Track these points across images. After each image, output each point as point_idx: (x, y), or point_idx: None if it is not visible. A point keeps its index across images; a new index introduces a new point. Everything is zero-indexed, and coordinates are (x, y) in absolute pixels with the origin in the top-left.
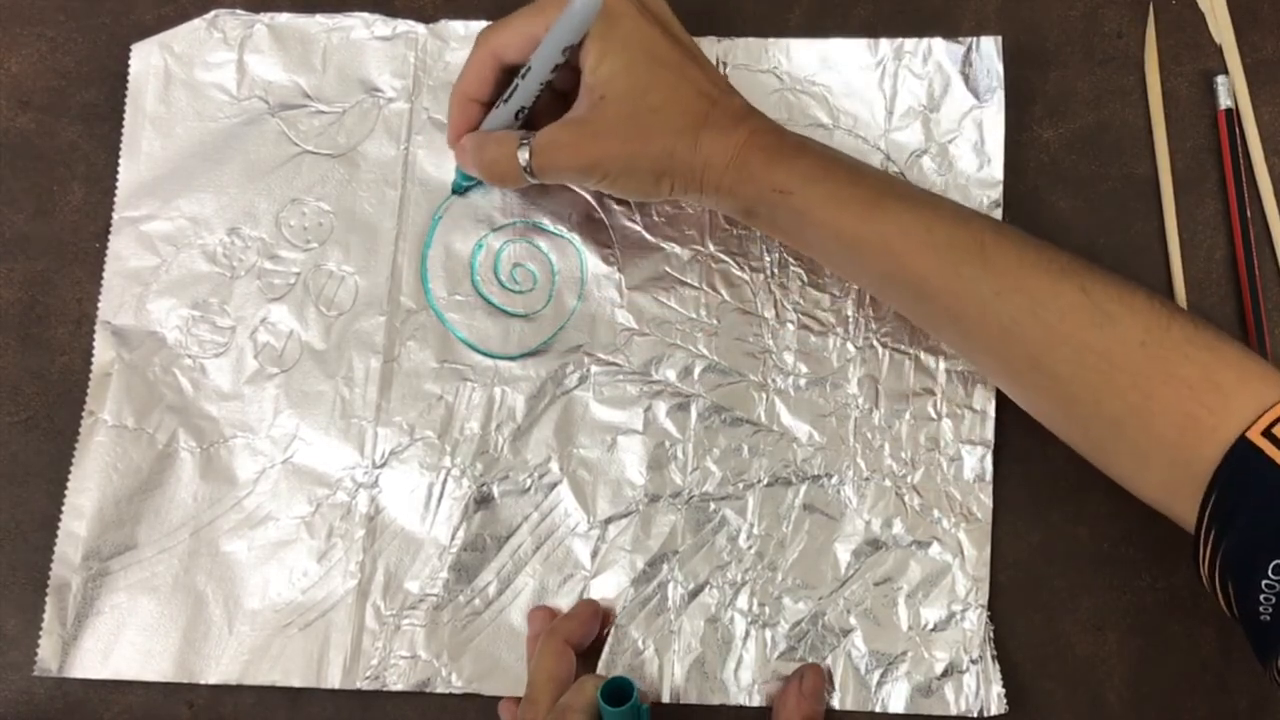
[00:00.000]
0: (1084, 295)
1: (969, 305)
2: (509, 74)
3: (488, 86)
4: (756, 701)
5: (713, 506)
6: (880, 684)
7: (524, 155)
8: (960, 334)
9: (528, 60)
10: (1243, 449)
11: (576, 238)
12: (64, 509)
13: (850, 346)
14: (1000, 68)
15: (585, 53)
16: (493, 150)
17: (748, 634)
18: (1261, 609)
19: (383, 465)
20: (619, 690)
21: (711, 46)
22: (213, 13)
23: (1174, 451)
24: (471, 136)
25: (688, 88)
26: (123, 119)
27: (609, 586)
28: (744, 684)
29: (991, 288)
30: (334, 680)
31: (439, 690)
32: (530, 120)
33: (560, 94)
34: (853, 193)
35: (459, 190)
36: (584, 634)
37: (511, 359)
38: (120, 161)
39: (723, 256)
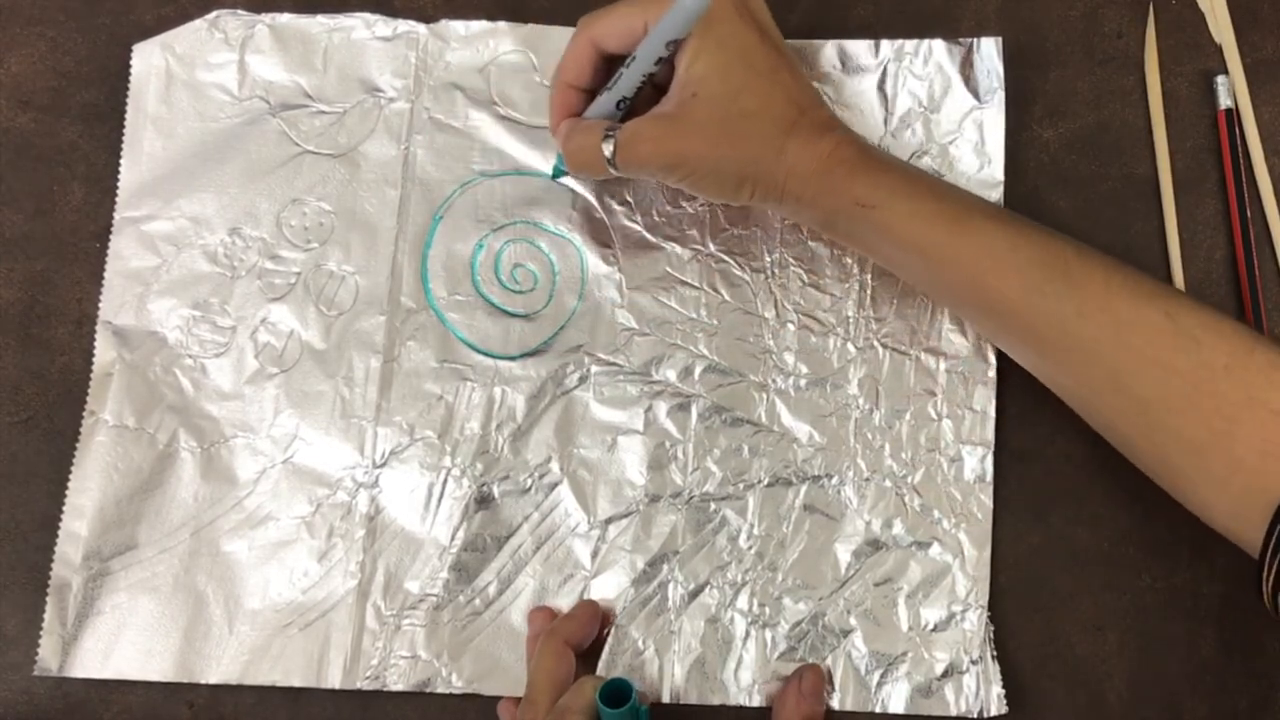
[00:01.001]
0: (1169, 319)
1: (1051, 325)
2: (607, 62)
3: (585, 74)
4: (756, 702)
5: (713, 507)
6: (880, 684)
7: (609, 147)
8: (1040, 354)
9: (625, 50)
10: None
11: (577, 238)
12: (64, 509)
13: (851, 347)
14: (1001, 69)
15: (682, 49)
16: (579, 138)
17: (748, 634)
18: None
19: (383, 465)
20: (617, 691)
21: None
22: (214, 13)
23: (1252, 477)
24: (567, 123)
25: (779, 95)
26: (123, 119)
27: (609, 587)
28: (744, 684)
29: (1075, 308)
30: (334, 680)
31: (439, 690)
32: (632, 112)
33: (660, 88)
34: (937, 208)
35: (558, 176)
36: (584, 634)
37: (512, 359)
38: (121, 162)
39: (723, 256)
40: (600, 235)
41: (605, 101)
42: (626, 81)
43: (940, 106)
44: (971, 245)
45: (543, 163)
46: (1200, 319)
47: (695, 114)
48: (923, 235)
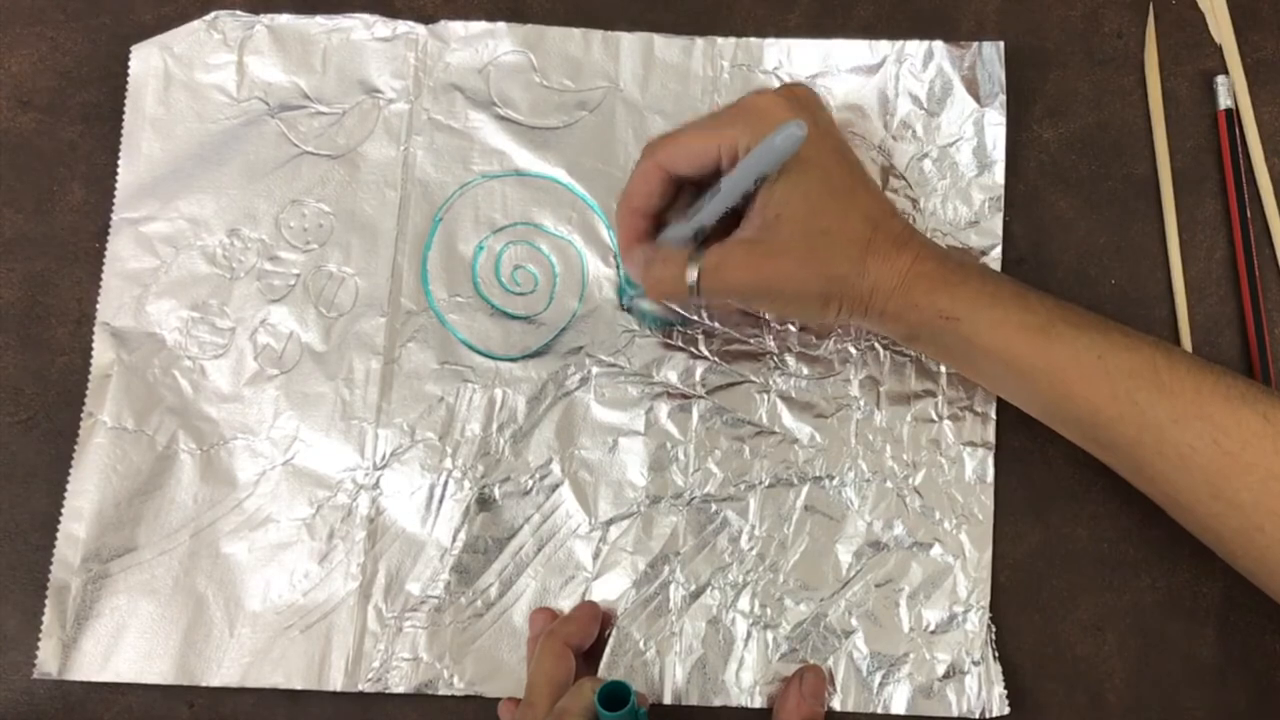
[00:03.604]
0: (1267, 423)
1: (1145, 433)
2: (676, 185)
3: (654, 198)
4: (758, 703)
5: (714, 508)
6: (882, 685)
7: (692, 274)
8: (1134, 463)
9: (695, 173)
10: None
11: (578, 239)
12: (63, 511)
13: (852, 348)
14: (1002, 74)
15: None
16: (660, 268)
17: (749, 635)
18: None
19: (383, 467)
20: (616, 693)
21: (711, 46)
22: (213, 14)
23: None
24: (643, 250)
25: (855, 213)
26: (122, 119)
27: (611, 588)
28: (745, 685)
29: (1168, 414)
30: (336, 683)
31: (441, 692)
32: (706, 239)
33: (735, 213)
34: (1021, 319)
35: (624, 296)
36: (584, 636)
37: (512, 360)
38: (120, 163)
39: None
40: (601, 237)
41: (682, 231)
42: (709, 213)
43: (941, 109)
44: (1058, 355)
45: (542, 164)
46: None
47: (779, 237)
48: (1008, 346)
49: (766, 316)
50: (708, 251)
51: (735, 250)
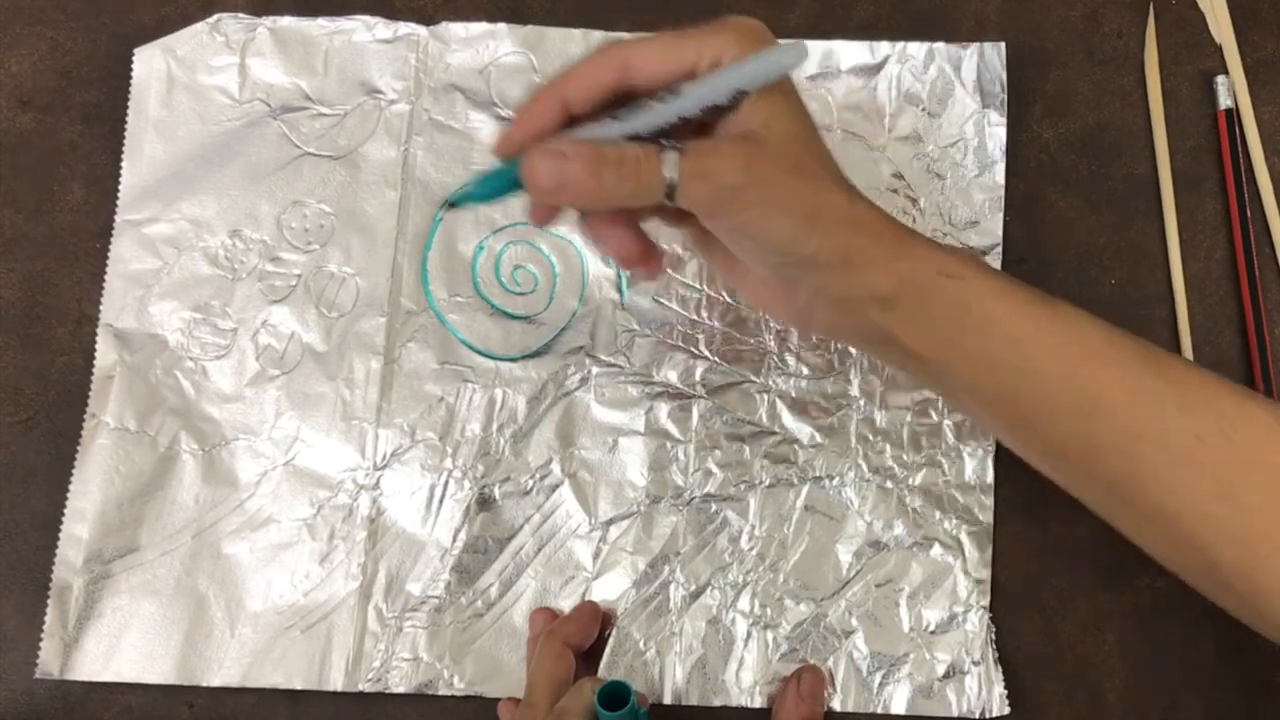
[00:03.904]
0: (1277, 421)
1: (1149, 422)
2: (616, 96)
3: (593, 99)
4: (758, 703)
5: (714, 508)
6: (882, 685)
7: (670, 168)
8: (1132, 460)
9: (656, 86)
10: None
11: (577, 239)
12: (66, 512)
13: (851, 348)
14: (1004, 75)
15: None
16: (631, 154)
17: (749, 635)
18: None
19: (384, 467)
20: (616, 693)
21: None
22: (215, 16)
23: None
24: (565, 144)
25: (831, 159)
26: (123, 119)
27: (611, 588)
28: (745, 685)
29: (1176, 403)
30: (336, 683)
31: (441, 693)
32: None
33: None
34: (1026, 293)
35: (459, 202)
36: (583, 636)
37: (512, 360)
38: (123, 165)
39: None
40: None
41: (608, 132)
42: (654, 117)
43: (942, 110)
44: (1064, 331)
45: None
46: None
47: (768, 140)
48: (1011, 315)
49: (738, 282)
50: (689, 143)
51: (722, 142)
